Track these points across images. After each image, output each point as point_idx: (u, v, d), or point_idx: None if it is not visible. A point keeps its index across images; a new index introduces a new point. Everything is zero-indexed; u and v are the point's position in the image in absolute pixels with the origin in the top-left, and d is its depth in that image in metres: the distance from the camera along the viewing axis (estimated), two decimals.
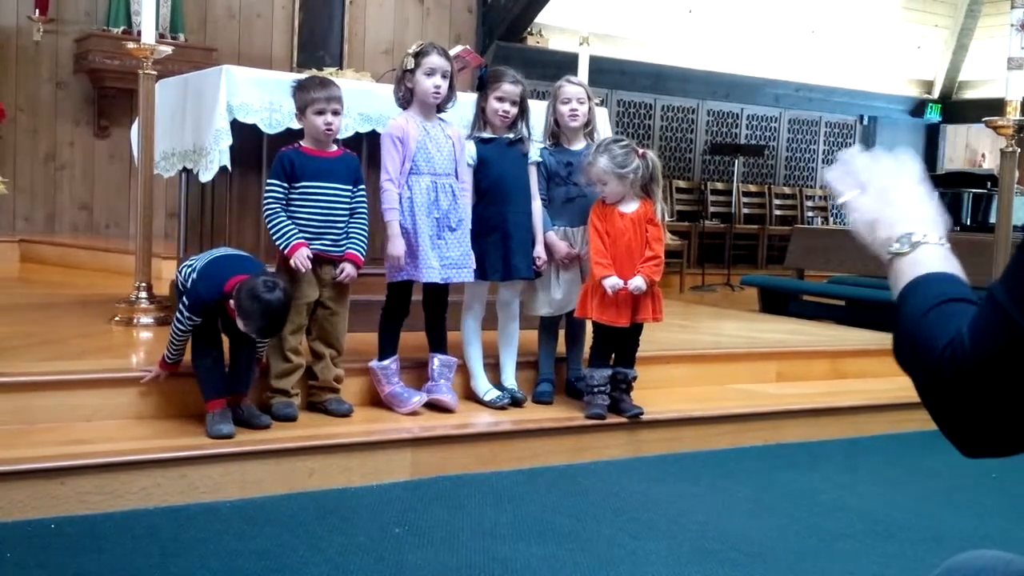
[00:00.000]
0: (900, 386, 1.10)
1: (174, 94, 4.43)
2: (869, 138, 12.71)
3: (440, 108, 3.65)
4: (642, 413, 3.77)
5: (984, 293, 0.99)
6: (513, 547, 2.73)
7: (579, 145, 3.90)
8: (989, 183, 9.88)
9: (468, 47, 5.49)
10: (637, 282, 3.62)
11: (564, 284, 3.89)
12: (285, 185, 3.39)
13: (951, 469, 3.73)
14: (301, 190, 3.40)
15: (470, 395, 3.86)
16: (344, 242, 3.47)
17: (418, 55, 3.56)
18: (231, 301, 3.07)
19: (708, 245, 10.37)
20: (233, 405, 3.25)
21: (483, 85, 3.85)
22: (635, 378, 3.84)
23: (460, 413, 3.68)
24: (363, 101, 4.18)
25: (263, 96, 3.97)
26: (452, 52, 4.25)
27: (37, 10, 7.72)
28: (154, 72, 4.29)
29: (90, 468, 2.84)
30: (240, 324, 3.07)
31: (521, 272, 3.75)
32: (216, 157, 3.82)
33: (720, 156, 11.25)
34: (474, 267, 3.66)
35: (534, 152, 3.85)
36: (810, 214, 11.74)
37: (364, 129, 4.20)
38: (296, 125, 3.68)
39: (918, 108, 13.03)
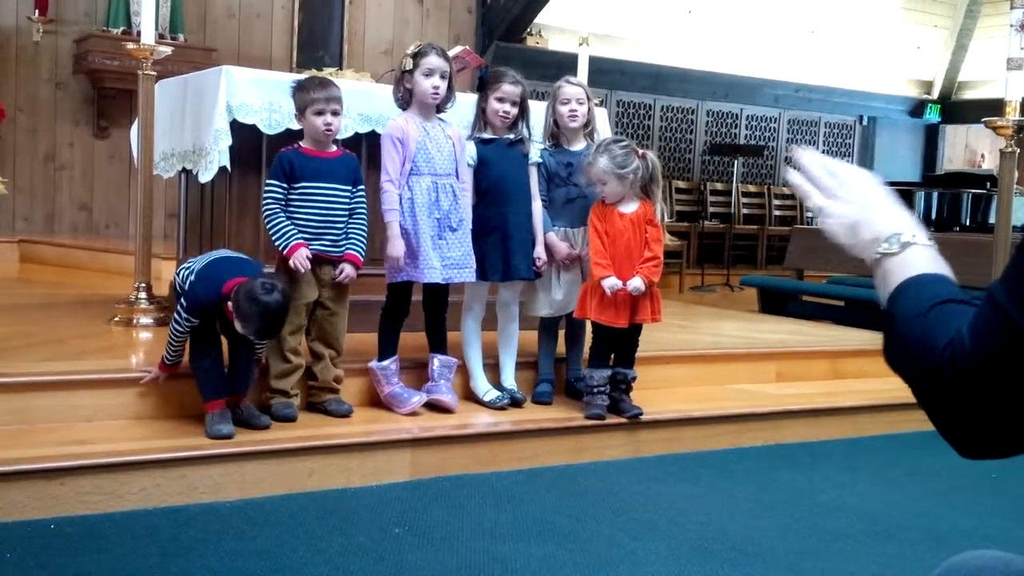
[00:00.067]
0: (899, 386, 1.08)
1: (174, 94, 4.43)
2: (868, 138, 12.72)
3: (440, 108, 3.65)
4: (642, 413, 3.77)
5: (983, 293, 0.99)
6: (513, 547, 2.74)
7: (579, 146, 3.90)
8: (988, 183, 9.89)
9: (468, 47, 5.49)
10: (636, 283, 3.62)
11: (565, 285, 3.89)
12: (284, 185, 3.39)
13: (951, 469, 3.73)
14: (300, 190, 3.40)
15: (470, 395, 3.86)
16: (343, 242, 3.47)
17: (416, 56, 3.56)
18: (229, 303, 3.07)
19: (707, 245, 10.37)
20: (232, 405, 3.25)
21: (483, 86, 3.85)
22: (635, 378, 3.84)
23: (460, 413, 3.68)
24: (363, 101, 4.18)
25: (263, 96, 3.97)
26: (452, 52, 4.25)
27: (37, 10, 7.71)
28: (154, 72, 4.29)
29: (90, 468, 2.84)
30: (238, 326, 3.07)
31: (521, 272, 3.76)
32: (216, 157, 3.83)
33: (719, 156, 11.25)
34: (475, 267, 3.67)
35: (534, 153, 3.85)
36: (809, 215, 11.73)
37: (364, 129, 4.20)
38: (296, 126, 3.68)
39: (917, 108, 13.03)
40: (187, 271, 3.26)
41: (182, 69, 5.40)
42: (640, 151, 3.69)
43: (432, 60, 3.54)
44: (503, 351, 3.90)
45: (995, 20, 12.00)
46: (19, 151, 7.90)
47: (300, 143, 3.49)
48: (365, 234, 3.53)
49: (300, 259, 3.32)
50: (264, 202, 3.40)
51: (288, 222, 3.37)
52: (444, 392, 3.68)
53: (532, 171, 3.85)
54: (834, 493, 3.45)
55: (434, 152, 3.59)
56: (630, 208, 3.70)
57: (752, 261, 10.87)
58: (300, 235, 3.36)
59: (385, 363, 3.62)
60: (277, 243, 3.36)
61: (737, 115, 11.61)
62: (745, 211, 11.24)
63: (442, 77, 3.56)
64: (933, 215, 9.81)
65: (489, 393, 3.80)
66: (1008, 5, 4.74)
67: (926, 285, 1.07)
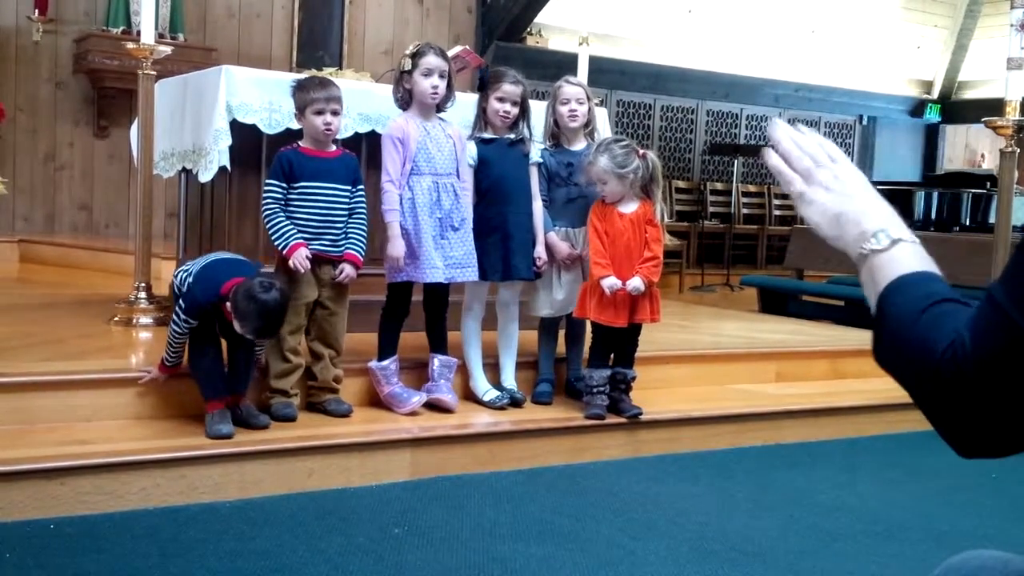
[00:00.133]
0: (899, 386, 1.08)
1: (173, 94, 4.43)
2: (868, 138, 12.72)
3: (440, 108, 3.65)
4: (641, 413, 3.77)
5: (982, 293, 0.99)
6: (512, 547, 2.73)
7: (579, 145, 3.90)
8: (988, 183, 9.89)
9: (468, 47, 5.49)
10: (635, 283, 3.62)
11: (566, 285, 3.89)
12: (284, 185, 3.39)
13: (950, 469, 3.73)
14: (300, 190, 3.40)
15: (469, 395, 3.86)
16: (343, 242, 3.47)
17: (415, 56, 3.56)
18: (227, 303, 3.07)
19: (707, 245, 10.37)
20: (232, 406, 3.25)
21: (484, 85, 3.85)
22: (634, 378, 3.84)
23: (459, 413, 3.68)
24: (362, 101, 4.18)
25: (263, 96, 3.97)
26: (451, 52, 4.25)
27: (36, 10, 7.71)
28: (153, 72, 4.29)
29: (89, 468, 2.84)
30: (237, 326, 3.07)
31: (520, 272, 3.76)
32: (215, 157, 3.82)
33: (720, 156, 11.25)
34: (477, 267, 3.66)
35: (535, 153, 3.85)
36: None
37: (363, 129, 4.20)
38: (295, 125, 3.68)
39: (918, 108, 13.03)
40: (185, 273, 3.26)
41: (182, 69, 5.39)
42: (641, 151, 3.69)
43: (430, 60, 3.54)
44: (503, 351, 3.90)
45: (995, 20, 12.00)
46: (19, 151, 7.90)
47: (299, 143, 3.49)
48: (365, 234, 3.53)
49: (300, 259, 3.32)
50: (263, 202, 3.40)
51: (288, 222, 3.37)
52: (444, 392, 3.68)
53: (533, 171, 3.85)
54: (833, 493, 3.45)
55: (435, 152, 3.59)
56: (630, 208, 3.70)
57: (752, 261, 10.88)
58: (299, 235, 3.36)
59: (385, 363, 3.62)
60: (276, 243, 3.36)
61: (737, 115, 11.62)
62: (745, 211, 11.24)
63: (441, 77, 3.56)
64: (933, 215, 9.81)
65: (489, 393, 3.80)
66: (1008, 5, 4.74)
67: (918, 284, 1.06)
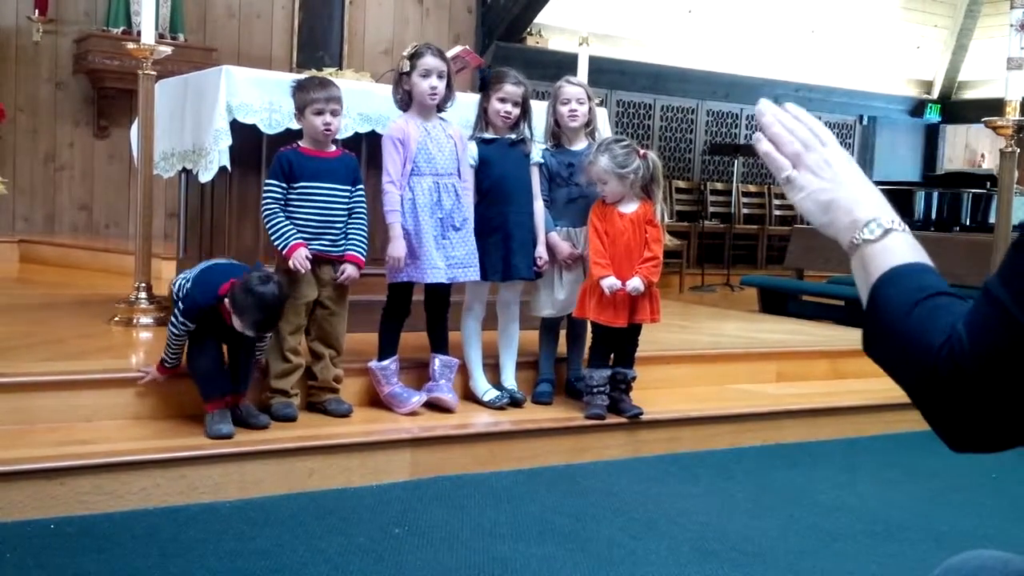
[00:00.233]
0: (892, 381, 1.08)
1: (174, 94, 4.43)
2: (868, 138, 12.72)
3: (440, 108, 3.65)
4: (641, 413, 3.77)
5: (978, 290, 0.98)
6: (513, 547, 2.74)
7: (580, 145, 3.90)
8: (988, 183, 9.88)
9: (468, 47, 5.48)
10: (635, 283, 3.62)
11: (567, 285, 3.89)
12: (283, 185, 3.39)
13: (950, 469, 3.73)
14: (299, 190, 3.40)
15: (469, 395, 3.86)
16: (342, 242, 3.47)
17: (413, 57, 3.56)
18: (226, 301, 3.08)
19: (708, 245, 10.37)
20: (232, 405, 3.25)
21: (485, 86, 3.85)
22: (634, 378, 3.84)
23: (459, 413, 3.68)
24: (362, 101, 4.18)
25: (263, 96, 3.97)
26: (451, 52, 4.26)
27: (37, 10, 7.72)
28: (154, 72, 4.29)
29: (90, 468, 2.84)
30: (236, 322, 3.07)
31: (521, 272, 3.76)
32: (216, 157, 3.83)
33: (720, 156, 11.25)
34: (479, 266, 3.66)
35: (536, 153, 3.85)
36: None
37: (363, 129, 4.20)
38: (296, 125, 3.68)
39: (918, 108, 13.04)
40: (183, 280, 3.28)
41: (182, 69, 5.40)
42: (641, 151, 3.69)
43: (428, 61, 3.54)
44: (503, 351, 3.90)
45: (995, 20, 12.00)
46: (19, 151, 7.90)
47: (299, 143, 3.49)
48: (366, 234, 3.53)
49: (300, 259, 3.32)
50: (263, 202, 3.41)
51: (287, 222, 3.37)
52: (445, 391, 3.68)
53: (534, 171, 3.85)
54: (833, 493, 3.45)
55: (435, 152, 3.59)
56: (630, 208, 3.70)
57: (752, 261, 10.88)
58: (299, 235, 3.36)
59: (385, 363, 3.62)
60: (276, 243, 3.37)
61: (737, 115, 11.62)
62: (745, 211, 11.24)
63: (439, 77, 3.56)
64: (933, 215, 9.80)
65: (489, 393, 3.80)
66: (1008, 5, 4.74)
67: (911, 276, 1.04)
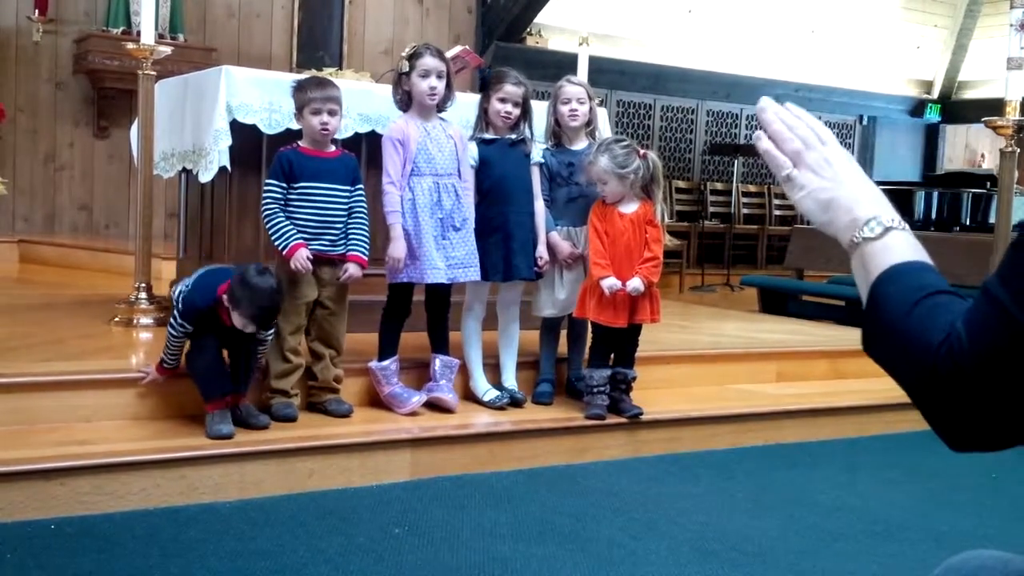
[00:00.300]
0: (892, 380, 1.08)
1: (173, 94, 4.43)
2: (868, 138, 12.72)
3: (440, 108, 3.65)
4: (642, 413, 3.77)
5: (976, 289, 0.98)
6: (513, 547, 2.74)
7: (580, 145, 3.90)
8: (988, 183, 9.89)
9: (467, 47, 5.48)
10: (635, 283, 3.62)
11: (568, 284, 3.89)
12: (284, 185, 3.39)
13: (950, 469, 3.73)
14: (299, 190, 3.40)
15: (470, 395, 3.86)
16: (342, 242, 3.47)
17: (412, 57, 3.56)
18: (225, 299, 3.08)
19: (708, 245, 10.37)
20: (232, 406, 3.25)
21: (485, 86, 3.85)
22: (635, 378, 3.84)
23: (460, 413, 3.68)
24: (362, 101, 4.18)
25: (263, 96, 3.98)
26: (451, 53, 4.25)
27: (36, 10, 7.72)
28: (153, 72, 4.29)
29: (90, 469, 2.84)
30: (235, 318, 3.08)
31: (522, 272, 3.76)
32: (216, 157, 3.83)
33: (720, 156, 11.25)
34: (479, 266, 3.66)
35: (536, 153, 3.85)
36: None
37: (363, 129, 4.20)
38: (295, 126, 3.68)
39: (918, 108, 13.03)
40: (183, 286, 3.29)
41: (182, 69, 5.40)
42: (641, 151, 3.69)
43: (427, 61, 3.54)
44: (504, 351, 3.90)
45: (995, 20, 12.00)
46: (19, 151, 7.90)
47: (299, 143, 3.49)
48: (367, 233, 3.52)
49: (301, 260, 3.32)
50: (263, 202, 3.41)
51: (288, 222, 3.37)
52: (445, 391, 3.68)
53: (534, 171, 3.85)
54: (834, 493, 3.45)
55: (435, 152, 3.58)
56: (630, 208, 3.70)
57: (752, 261, 10.87)
58: (299, 235, 3.36)
59: (385, 363, 3.62)
60: (277, 243, 3.37)
61: (737, 115, 11.62)
62: (745, 211, 11.24)
63: (439, 77, 3.56)
64: (933, 215, 9.80)
65: (489, 393, 3.80)
66: (1008, 5, 4.74)
67: (911, 274, 1.04)
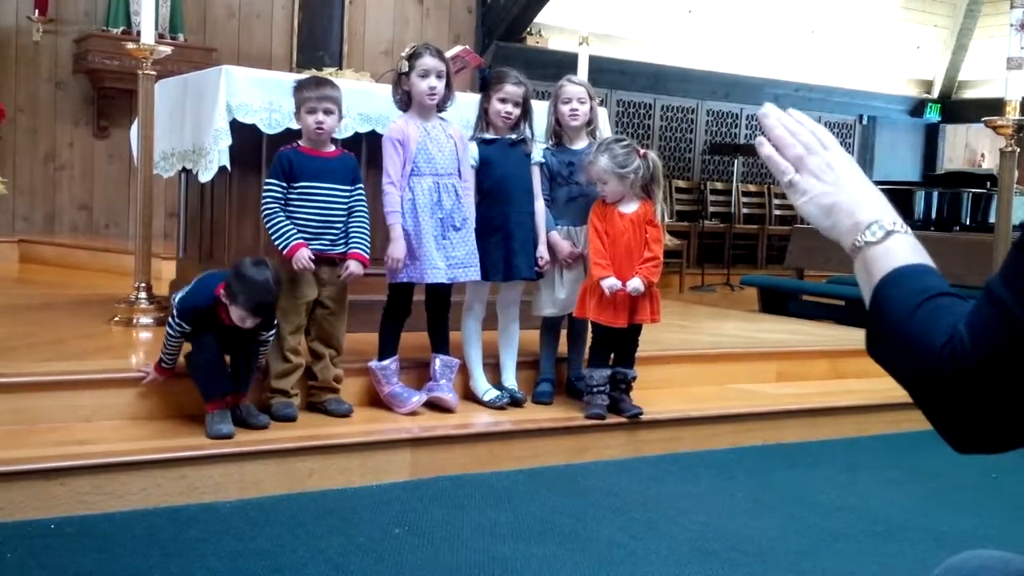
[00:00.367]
0: (899, 386, 1.08)
1: (173, 94, 4.43)
2: (868, 138, 12.71)
3: (440, 108, 3.64)
4: (642, 413, 3.77)
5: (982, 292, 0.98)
6: (513, 547, 2.74)
7: (581, 144, 3.90)
8: (989, 183, 9.88)
9: (467, 47, 5.48)
10: (635, 284, 3.62)
11: (568, 284, 3.89)
12: (284, 185, 3.39)
13: (951, 469, 3.73)
14: (299, 190, 3.40)
15: (470, 395, 3.86)
16: (342, 242, 3.47)
17: (411, 57, 3.56)
18: (223, 294, 3.08)
19: (708, 245, 10.37)
20: (232, 405, 3.25)
21: (486, 86, 3.85)
22: (635, 378, 3.84)
23: (460, 413, 3.68)
24: (362, 101, 4.18)
25: (263, 96, 3.97)
26: (451, 52, 4.25)
27: (36, 10, 7.71)
28: (153, 72, 4.29)
29: (90, 468, 2.84)
30: (233, 313, 3.08)
31: (522, 272, 3.76)
32: (215, 157, 3.83)
33: (720, 156, 11.25)
34: (479, 266, 3.66)
35: (537, 152, 3.85)
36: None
37: (363, 129, 4.20)
38: (295, 125, 3.68)
39: (917, 108, 13.03)
40: (183, 291, 3.30)
41: (182, 69, 5.40)
42: (642, 151, 3.69)
43: (427, 61, 3.54)
44: (504, 351, 3.90)
45: (995, 20, 12.00)
46: (19, 151, 7.90)
47: (299, 142, 3.49)
48: (368, 232, 3.52)
49: (303, 260, 3.32)
50: (263, 201, 3.40)
51: (288, 222, 3.37)
52: (445, 391, 3.68)
53: (535, 171, 3.85)
54: (834, 493, 3.45)
55: (435, 152, 3.58)
56: (630, 208, 3.70)
57: (752, 261, 10.87)
58: (300, 235, 3.36)
59: (385, 363, 3.62)
60: (277, 243, 3.36)
61: (737, 115, 11.62)
62: (745, 211, 11.24)
63: (438, 77, 3.56)
64: (933, 215, 9.80)
65: (489, 393, 3.80)
66: (1008, 5, 4.74)
67: (914, 277, 1.05)
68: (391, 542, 2.72)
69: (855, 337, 5.40)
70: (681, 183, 11.02)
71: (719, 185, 11.18)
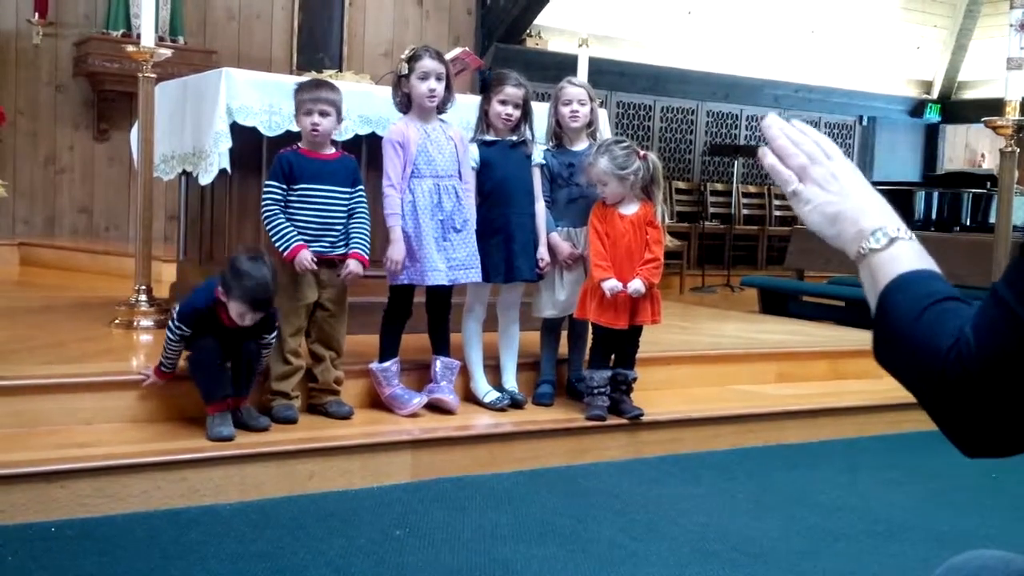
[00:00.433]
0: (899, 386, 1.08)
1: (174, 97, 4.43)
2: (868, 138, 12.71)
3: (440, 110, 3.65)
4: (642, 414, 3.77)
5: (983, 293, 0.98)
6: (514, 548, 2.74)
7: (581, 146, 3.90)
8: (989, 183, 9.88)
9: (467, 49, 5.49)
10: (636, 285, 3.62)
11: (568, 285, 3.89)
12: (284, 187, 3.39)
13: (951, 469, 3.73)
14: (299, 192, 3.40)
15: (470, 397, 3.86)
16: (342, 244, 3.47)
17: (411, 59, 3.56)
18: (220, 291, 3.09)
19: (708, 246, 10.36)
20: (233, 408, 3.25)
21: (486, 88, 3.85)
22: (635, 379, 3.84)
23: (460, 415, 3.68)
24: (362, 103, 4.19)
25: (263, 99, 3.98)
26: (451, 54, 4.26)
27: (36, 13, 7.72)
28: (153, 75, 4.29)
29: (90, 471, 2.84)
30: (232, 309, 3.08)
31: (523, 274, 3.76)
32: (216, 160, 3.83)
33: (720, 157, 11.25)
34: (480, 267, 3.66)
35: (537, 154, 3.85)
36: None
37: (363, 131, 4.20)
38: (295, 128, 3.69)
39: (917, 108, 13.03)
40: (184, 298, 3.30)
41: (182, 71, 5.40)
42: (642, 152, 3.69)
43: (426, 63, 3.54)
44: (504, 352, 3.90)
45: (995, 20, 12.00)
46: (19, 154, 7.90)
47: (299, 144, 3.49)
48: (368, 233, 3.52)
49: (305, 261, 3.32)
50: (263, 203, 3.40)
51: (288, 224, 3.37)
52: (446, 393, 3.68)
53: (535, 172, 3.85)
54: (835, 493, 3.44)
55: (435, 154, 3.58)
56: (631, 209, 3.70)
57: (752, 262, 10.87)
58: (300, 237, 3.36)
59: (386, 364, 3.62)
60: (278, 245, 3.36)
61: (737, 116, 11.62)
62: (745, 212, 11.23)
63: (438, 79, 3.56)
64: (933, 215, 9.80)
65: (489, 394, 3.80)
66: (1008, 5, 4.74)
67: (919, 282, 1.05)
68: (392, 544, 2.72)
69: (855, 338, 5.41)
70: (681, 184, 11.02)
71: (719, 186, 11.18)
